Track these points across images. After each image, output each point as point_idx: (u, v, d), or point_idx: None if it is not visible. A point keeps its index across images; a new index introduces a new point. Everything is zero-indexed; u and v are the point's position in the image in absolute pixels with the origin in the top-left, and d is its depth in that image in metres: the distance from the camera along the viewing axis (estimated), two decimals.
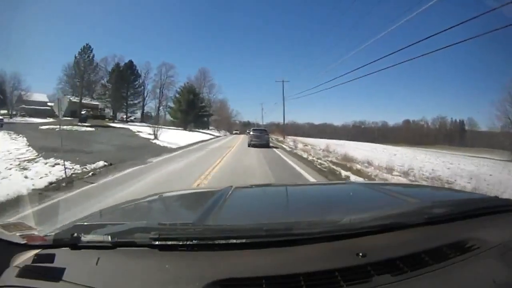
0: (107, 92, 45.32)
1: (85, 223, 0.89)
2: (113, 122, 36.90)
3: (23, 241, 0.76)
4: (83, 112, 34.07)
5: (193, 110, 43.59)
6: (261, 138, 17.20)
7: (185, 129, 37.87)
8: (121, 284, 0.64)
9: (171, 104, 49.01)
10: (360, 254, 0.67)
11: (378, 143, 42.26)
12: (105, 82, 45.55)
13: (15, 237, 0.77)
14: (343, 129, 79.64)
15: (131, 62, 48.70)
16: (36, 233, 0.82)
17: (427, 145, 46.41)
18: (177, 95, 47.21)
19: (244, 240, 0.71)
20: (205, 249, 0.71)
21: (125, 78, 46.45)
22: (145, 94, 51.92)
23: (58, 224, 0.93)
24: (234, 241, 0.71)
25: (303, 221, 0.82)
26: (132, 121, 45.83)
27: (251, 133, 18.20)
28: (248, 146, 16.78)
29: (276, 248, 0.71)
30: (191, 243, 0.70)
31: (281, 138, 32.60)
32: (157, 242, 0.70)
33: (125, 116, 48.50)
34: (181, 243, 0.71)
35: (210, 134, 37.42)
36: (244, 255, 0.69)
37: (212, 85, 60.64)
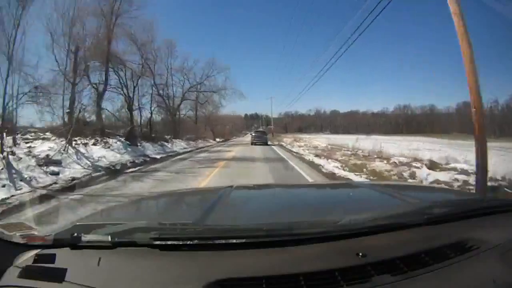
0: None
1: (85, 223, 0.89)
2: None
3: (23, 241, 0.76)
4: None
5: None
6: (261, 138, 21.95)
7: None
8: (121, 284, 0.64)
9: None
10: (360, 254, 0.67)
11: (427, 135, 33.09)
12: None
13: (16, 237, 0.77)
14: (380, 117, 66.59)
15: None
16: (36, 233, 0.82)
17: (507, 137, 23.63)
18: None
19: (244, 240, 0.71)
20: (205, 249, 0.71)
21: None
22: None
23: None
24: (234, 241, 0.71)
25: (303, 221, 0.82)
26: None
27: (253, 134, 23.75)
28: (251, 144, 21.01)
29: (276, 248, 0.71)
30: (191, 243, 0.71)
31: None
32: (157, 242, 0.70)
33: None
34: (181, 243, 0.71)
35: None
36: (244, 255, 0.69)
37: None
